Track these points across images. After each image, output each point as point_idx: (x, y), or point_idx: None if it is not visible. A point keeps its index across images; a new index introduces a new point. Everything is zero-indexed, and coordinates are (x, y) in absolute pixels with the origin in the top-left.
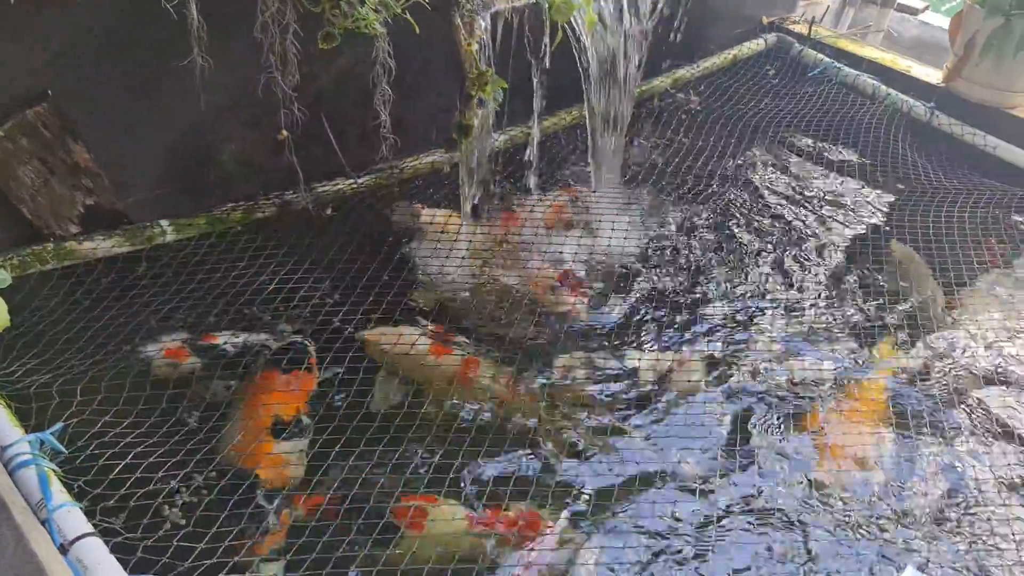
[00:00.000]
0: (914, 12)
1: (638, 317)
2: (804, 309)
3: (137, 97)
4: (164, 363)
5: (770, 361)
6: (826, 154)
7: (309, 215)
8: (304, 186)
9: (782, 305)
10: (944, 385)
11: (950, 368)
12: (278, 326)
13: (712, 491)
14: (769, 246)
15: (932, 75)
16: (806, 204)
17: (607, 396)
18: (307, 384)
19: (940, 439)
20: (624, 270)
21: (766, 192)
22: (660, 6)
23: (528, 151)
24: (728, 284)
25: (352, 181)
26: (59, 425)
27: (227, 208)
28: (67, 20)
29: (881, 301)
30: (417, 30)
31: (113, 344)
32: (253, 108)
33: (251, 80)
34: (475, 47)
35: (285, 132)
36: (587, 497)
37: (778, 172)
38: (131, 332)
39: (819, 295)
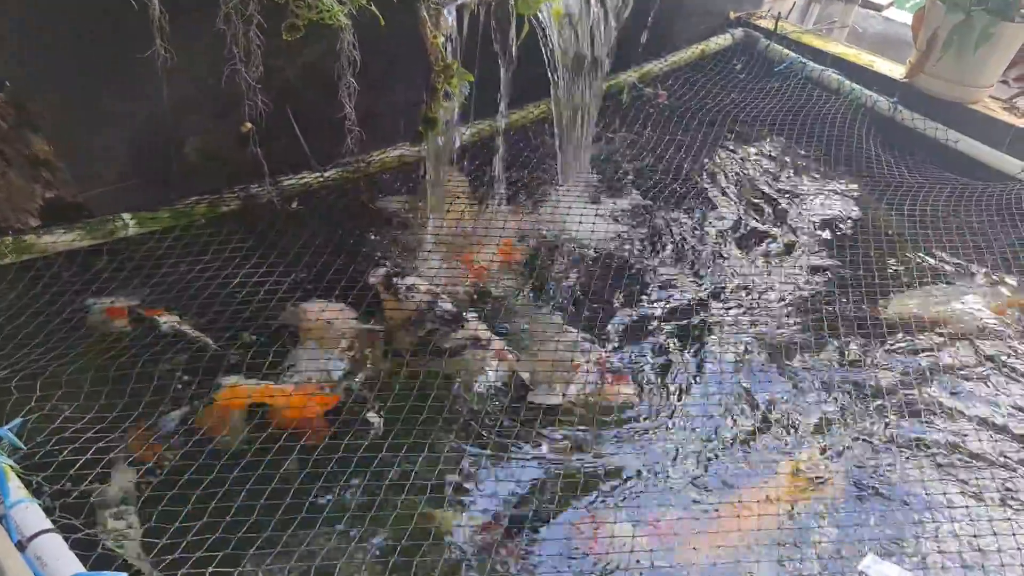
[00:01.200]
0: (878, 8)
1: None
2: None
3: (98, 88)
4: (101, 316)
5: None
6: (791, 148)
7: (274, 208)
8: (269, 179)
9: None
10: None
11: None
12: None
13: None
14: (732, 242)
15: (895, 70)
16: (771, 199)
17: None
18: None
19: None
20: (591, 262)
21: (731, 187)
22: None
23: (495, 144)
24: (684, 284)
25: (318, 174)
26: (17, 420)
27: (191, 201)
28: (25, 9)
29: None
30: (383, 22)
31: (73, 339)
32: (218, 100)
33: (215, 72)
34: (441, 40)
35: (249, 124)
36: None
37: (744, 167)
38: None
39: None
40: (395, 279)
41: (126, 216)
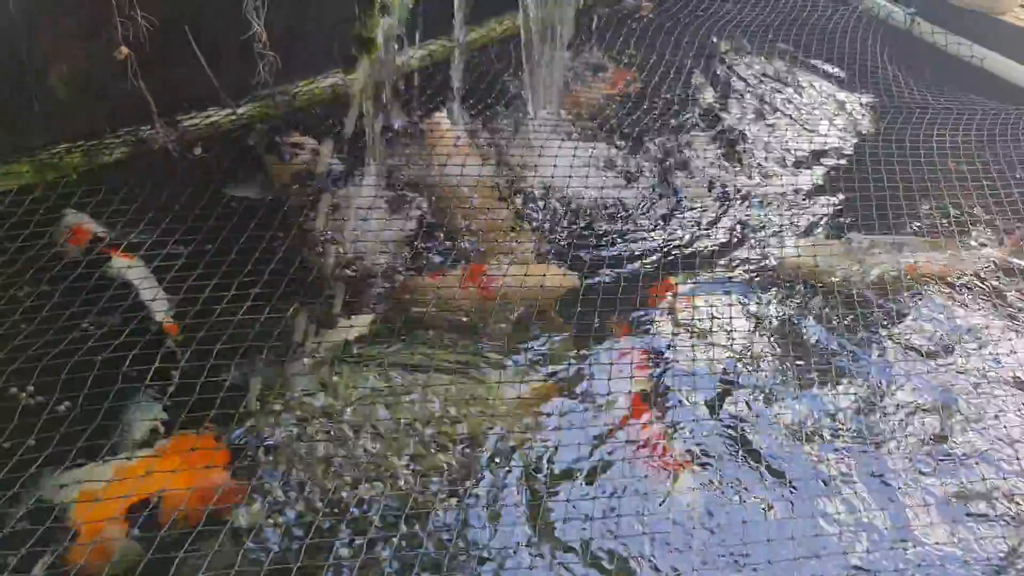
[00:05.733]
0: None
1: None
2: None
3: None
4: (67, 232)
5: None
6: (796, 67)
7: (171, 156)
8: (164, 119)
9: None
10: None
11: None
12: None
13: None
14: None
15: None
16: (774, 123)
17: None
18: None
19: None
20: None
21: (729, 111)
22: None
23: (451, 69)
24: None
25: (230, 111)
26: None
27: (59, 150)
28: None
29: None
30: None
31: None
32: (88, 13)
33: None
34: None
35: (125, 50)
36: None
37: (744, 87)
38: None
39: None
40: (277, 138)
41: None
